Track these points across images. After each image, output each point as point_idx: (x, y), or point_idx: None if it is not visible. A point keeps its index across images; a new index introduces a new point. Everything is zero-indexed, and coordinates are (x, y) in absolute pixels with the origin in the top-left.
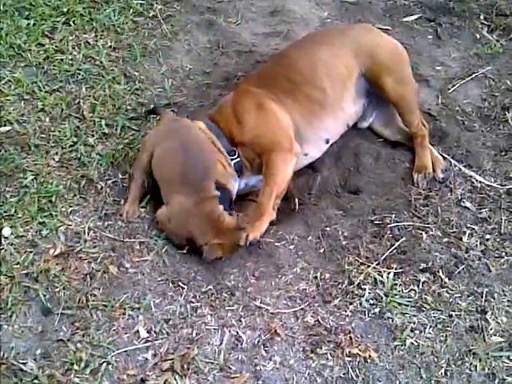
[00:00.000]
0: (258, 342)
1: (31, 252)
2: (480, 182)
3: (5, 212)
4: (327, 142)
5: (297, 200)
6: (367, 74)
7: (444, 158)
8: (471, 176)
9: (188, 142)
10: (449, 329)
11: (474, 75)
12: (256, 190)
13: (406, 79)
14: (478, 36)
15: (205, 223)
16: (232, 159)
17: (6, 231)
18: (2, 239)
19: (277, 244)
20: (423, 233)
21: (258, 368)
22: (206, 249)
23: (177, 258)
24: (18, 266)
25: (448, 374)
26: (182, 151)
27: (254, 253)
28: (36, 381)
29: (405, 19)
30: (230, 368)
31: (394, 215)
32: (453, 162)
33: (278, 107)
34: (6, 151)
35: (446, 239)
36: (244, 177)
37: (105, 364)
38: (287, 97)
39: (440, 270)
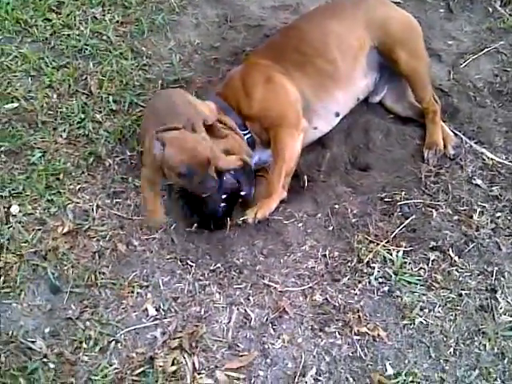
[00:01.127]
0: (267, 320)
1: (39, 230)
2: (491, 159)
3: (13, 190)
4: (337, 115)
5: (306, 177)
6: (380, 46)
7: (455, 134)
8: (482, 153)
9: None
10: (458, 308)
11: (486, 50)
12: (267, 166)
13: (420, 53)
14: (490, 10)
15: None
16: (244, 134)
17: (15, 209)
18: (11, 217)
19: (285, 222)
20: (433, 210)
21: (266, 346)
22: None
23: (185, 236)
24: (27, 244)
25: (457, 353)
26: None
27: (263, 230)
28: (45, 359)
29: None
30: (238, 346)
31: (403, 192)
32: (464, 138)
33: (288, 81)
34: (13, 128)
35: (456, 217)
36: (257, 151)
37: (113, 342)
38: (297, 70)
39: (450, 249)
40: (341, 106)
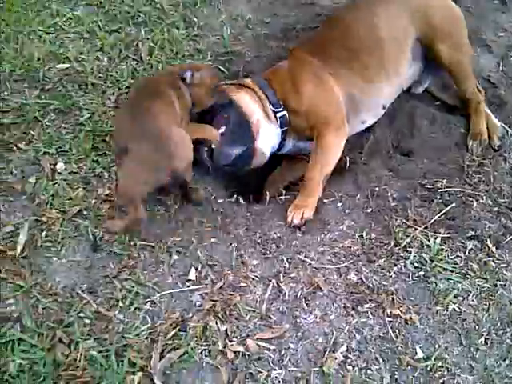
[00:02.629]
0: (300, 295)
1: (84, 188)
2: None
3: (60, 148)
4: (384, 107)
5: (348, 158)
6: (422, 38)
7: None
8: None
9: None
10: (492, 298)
11: None
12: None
13: (462, 45)
14: None
15: None
16: (277, 111)
17: (60, 166)
18: (56, 174)
19: (325, 200)
20: (474, 200)
21: (298, 320)
22: None
23: (225, 205)
24: (70, 201)
25: (488, 342)
26: None
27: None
28: (81, 314)
29: None
30: (270, 318)
31: (445, 180)
32: (510, 130)
33: (334, 81)
34: (63, 88)
35: (496, 208)
36: (290, 138)
37: (149, 303)
38: (343, 67)
39: (488, 239)
40: (387, 98)
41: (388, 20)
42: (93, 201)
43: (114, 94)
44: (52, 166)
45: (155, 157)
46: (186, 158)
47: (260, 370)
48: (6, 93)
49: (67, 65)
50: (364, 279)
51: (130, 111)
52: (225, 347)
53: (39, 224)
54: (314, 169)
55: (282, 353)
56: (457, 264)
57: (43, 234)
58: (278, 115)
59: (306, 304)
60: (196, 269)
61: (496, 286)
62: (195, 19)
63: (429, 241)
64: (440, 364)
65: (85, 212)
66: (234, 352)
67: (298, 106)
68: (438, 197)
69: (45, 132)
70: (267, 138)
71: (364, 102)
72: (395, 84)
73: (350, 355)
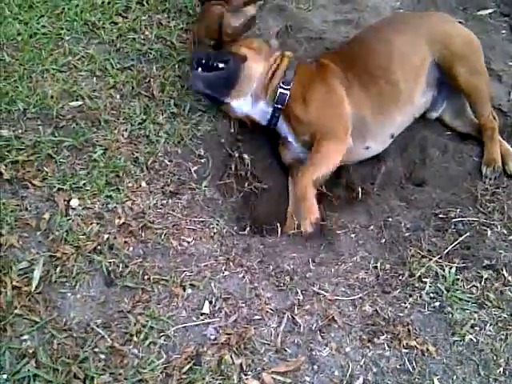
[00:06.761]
0: (315, 327)
1: (98, 224)
2: None
3: (74, 184)
4: (392, 136)
5: (360, 189)
6: (440, 62)
7: None
8: None
9: None
10: (510, 328)
11: None
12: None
13: (480, 70)
14: None
15: None
16: (283, 87)
17: (74, 202)
18: (70, 210)
19: (338, 232)
20: (488, 229)
21: (313, 353)
22: None
23: (238, 239)
24: (84, 236)
25: (507, 372)
26: None
27: (315, 239)
28: (96, 349)
29: (479, 13)
30: (285, 351)
31: (458, 210)
32: None
33: (347, 97)
34: (77, 125)
35: (511, 237)
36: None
37: (163, 338)
38: (360, 87)
39: (504, 268)
40: (397, 127)
41: (406, 47)
42: (107, 236)
43: (126, 130)
44: (66, 202)
45: None
46: None
47: None
48: (20, 131)
49: (80, 102)
50: (379, 311)
51: None
52: (240, 381)
53: (54, 260)
54: (305, 170)
55: None
56: (473, 294)
57: (58, 269)
58: (279, 90)
59: (321, 336)
60: (210, 302)
61: None
62: None
63: (444, 271)
64: None
65: (99, 247)
66: None
67: (304, 115)
68: (452, 226)
69: (59, 169)
70: (253, 81)
71: (372, 128)
72: (408, 112)
73: None
